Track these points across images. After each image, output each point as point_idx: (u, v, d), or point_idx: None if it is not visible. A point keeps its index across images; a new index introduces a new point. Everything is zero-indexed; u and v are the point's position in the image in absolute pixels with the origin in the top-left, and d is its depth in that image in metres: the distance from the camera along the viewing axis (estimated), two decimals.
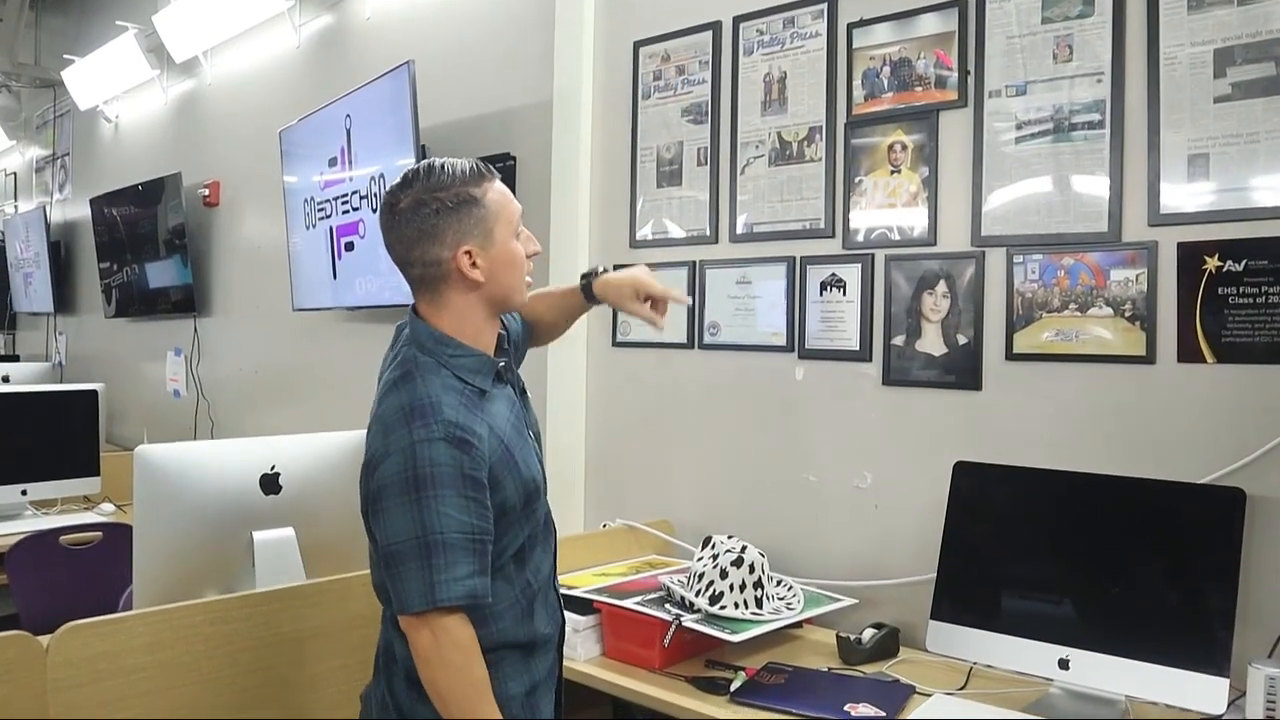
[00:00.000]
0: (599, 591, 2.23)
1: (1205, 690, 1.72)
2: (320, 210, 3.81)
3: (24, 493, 3.68)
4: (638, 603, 2.14)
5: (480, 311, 1.59)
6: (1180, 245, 1.97)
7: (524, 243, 1.62)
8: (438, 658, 1.46)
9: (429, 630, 1.46)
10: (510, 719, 1.55)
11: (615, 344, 2.96)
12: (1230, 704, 1.69)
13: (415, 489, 1.45)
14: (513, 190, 3.11)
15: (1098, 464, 2.02)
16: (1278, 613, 1.83)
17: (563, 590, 1.81)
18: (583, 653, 2.15)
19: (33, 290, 6.83)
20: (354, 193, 3.56)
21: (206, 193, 4.92)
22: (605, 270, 1.91)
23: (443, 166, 1.56)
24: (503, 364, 1.63)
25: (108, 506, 3.84)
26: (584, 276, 1.90)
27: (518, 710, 1.59)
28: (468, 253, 1.54)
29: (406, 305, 3.29)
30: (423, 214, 1.53)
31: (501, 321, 1.71)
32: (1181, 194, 1.97)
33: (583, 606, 2.18)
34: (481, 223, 1.55)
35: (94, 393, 3.95)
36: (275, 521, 2.18)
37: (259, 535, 2.15)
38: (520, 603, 1.61)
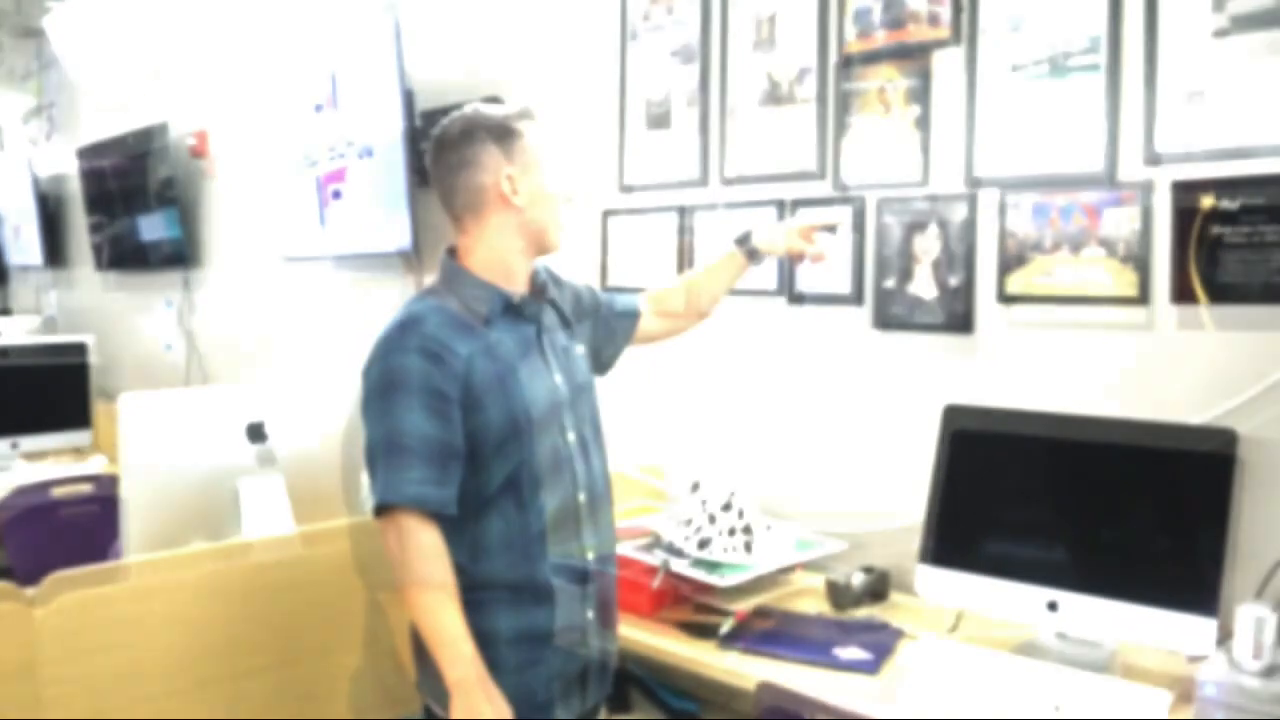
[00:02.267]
0: None
1: (1193, 631, 1.71)
2: (307, 158, 3.76)
3: (14, 445, 3.67)
4: (627, 548, 2.13)
5: (517, 241, 1.69)
6: (1175, 184, 1.93)
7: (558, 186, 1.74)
8: (401, 559, 1.55)
9: (395, 531, 1.55)
10: (493, 657, 1.58)
11: (604, 288, 2.93)
12: (1218, 644, 1.68)
13: (386, 394, 1.56)
14: None
15: (1089, 406, 2.00)
16: (1267, 553, 1.82)
17: None
18: None
19: (22, 244, 6.77)
20: (340, 140, 3.51)
21: (194, 142, 4.86)
22: (750, 233, 2.10)
23: (489, 104, 1.71)
24: (518, 300, 1.68)
25: (99, 459, 3.83)
26: (739, 242, 2.10)
27: (504, 651, 1.61)
28: (509, 177, 1.65)
29: (395, 253, 3.26)
30: (468, 141, 1.65)
31: (558, 278, 1.83)
32: (1177, 132, 1.93)
33: None
34: (523, 153, 1.67)
35: (83, 345, 3.93)
36: (262, 469, 2.18)
37: (246, 483, 2.15)
38: (517, 543, 1.62)
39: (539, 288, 1.75)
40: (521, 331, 1.69)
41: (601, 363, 1.97)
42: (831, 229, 2.16)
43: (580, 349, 1.80)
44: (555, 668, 1.66)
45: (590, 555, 1.71)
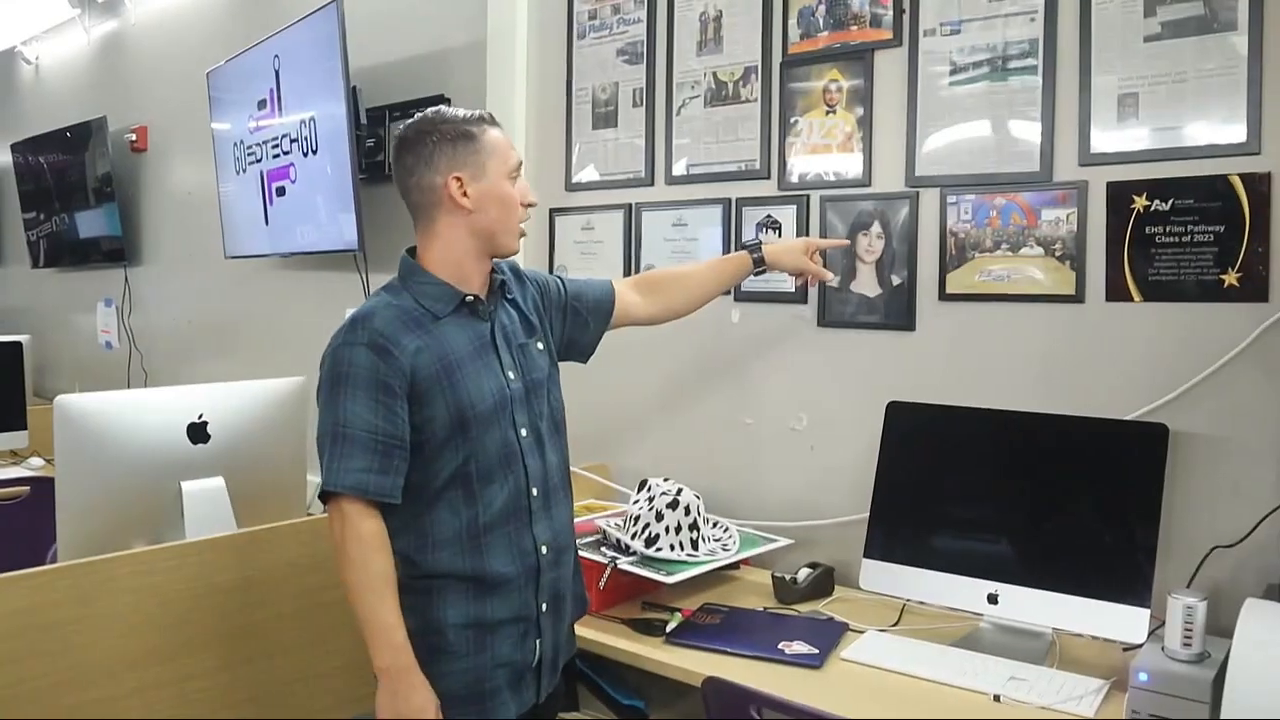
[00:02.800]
0: None
1: (1128, 620, 1.76)
2: (250, 155, 3.71)
3: None
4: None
5: (466, 242, 1.71)
6: (1109, 185, 1.98)
7: (520, 192, 1.74)
8: (341, 545, 1.60)
9: (338, 517, 1.60)
10: (440, 643, 1.63)
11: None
12: (1151, 633, 1.73)
13: (335, 386, 1.61)
14: None
15: (1028, 402, 2.04)
16: (1197, 544, 1.88)
17: None
18: None
19: None
20: (284, 136, 3.47)
21: (134, 138, 4.78)
22: (761, 242, 2.19)
23: (449, 107, 1.73)
24: (471, 298, 1.71)
25: (36, 461, 3.75)
26: (747, 248, 2.16)
27: (451, 638, 1.65)
28: (458, 179, 1.68)
29: (341, 251, 3.24)
30: (422, 142, 1.69)
31: (521, 275, 1.86)
32: (1111, 134, 1.98)
33: None
34: (474, 155, 1.69)
35: (18, 345, 3.85)
36: (204, 471, 2.15)
37: (187, 485, 2.12)
38: (465, 535, 1.65)
39: (496, 287, 1.77)
40: (474, 329, 1.71)
41: (579, 350, 2.00)
42: (842, 247, 2.29)
43: (540, 346, 1.81)
44: (503, 656, 1.68)
45: (543, 549, 1.73)
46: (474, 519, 1.66)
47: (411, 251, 1.76)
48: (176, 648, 1.89)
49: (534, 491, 1.72)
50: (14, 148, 5.58)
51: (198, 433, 2.13)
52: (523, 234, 1.77)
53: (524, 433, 1.72)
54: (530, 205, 1.77)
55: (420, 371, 1.62)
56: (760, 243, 2.16)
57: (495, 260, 1.78)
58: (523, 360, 1.76)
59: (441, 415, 1.63)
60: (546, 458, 1.76)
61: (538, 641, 1.72)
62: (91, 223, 5.02)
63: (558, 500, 1.79)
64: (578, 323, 1.96)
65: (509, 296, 1.80)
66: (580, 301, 1.96)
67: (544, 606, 1.73)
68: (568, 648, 1.84)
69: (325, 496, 1.61)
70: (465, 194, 1.68)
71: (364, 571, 1.58)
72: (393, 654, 1.58)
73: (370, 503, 1.60)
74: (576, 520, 2.13)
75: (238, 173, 3.82)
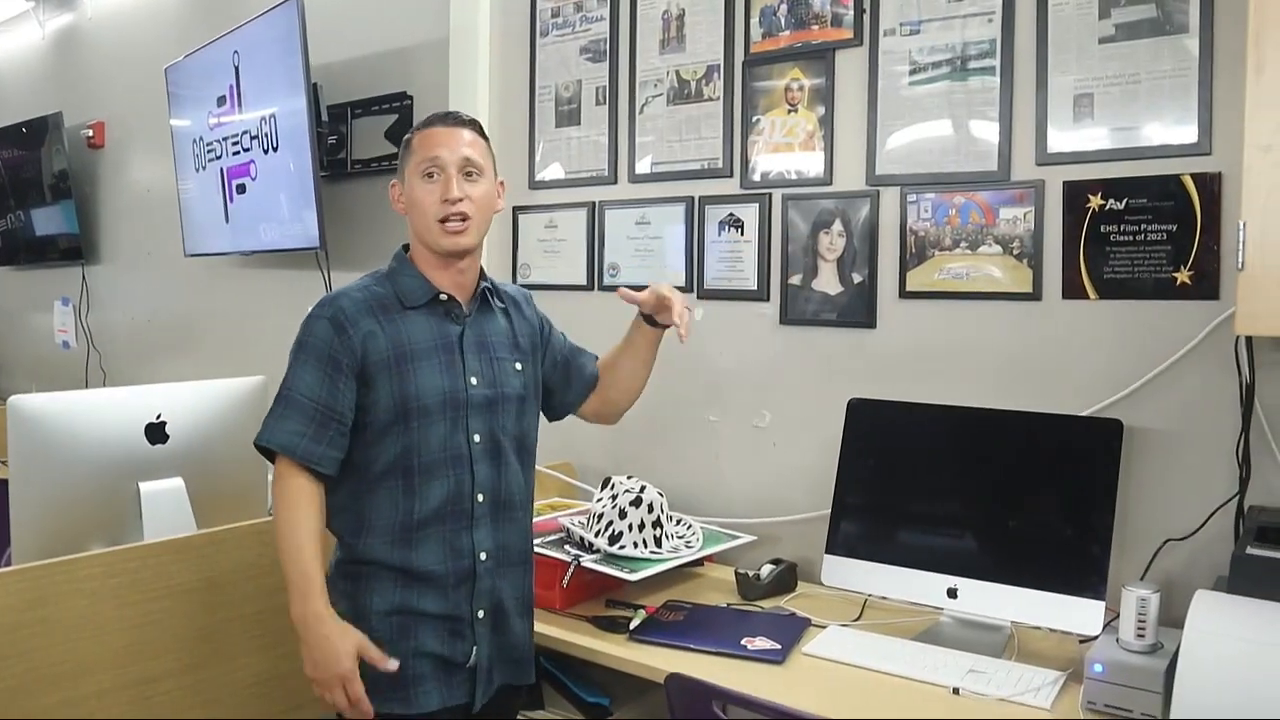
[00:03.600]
0: None
1: (1083, 613, 1.79)
2: (210, 151, 3.67)
3: None
4: (538, 545, 2.13)
5: (415, 242, 1.78)
6: (1066, 184, 2.01)
7: (441, 188, 1.71)
8: (277, 505, 1.67)
9: (277, 474, 1.68)
10: (365, 630, 1.65)
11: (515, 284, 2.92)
12: (1106, 625, 1.76)
13: (296, 351, 1.70)
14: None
15: (987, 399, 2.07)
16: (1151, 537, 1.91)
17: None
18: None
19: None
20: (244, 133, 3.44)
21: (91, 134, 4.71)
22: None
23: (435, 113, 1.79)
24: (445, 297, 1.74)
25: None
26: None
27: (377, 624, 1.67)
28: (396, 186, 1.79)
29: (303, 250, 3.21)
30: None
31: (527, 303, 1.90)
32: (1067, 134, 2.01)
33: None
34: (403, 161, 1.77)
35: None
36: (163, 472, 2.13)
37: (146, 486, 2.10)
38: (399, 526, 1.68)
39: (477, 294, 1.79)
40: (442, 328, 1.73)
41: (552, 407, 1.96)
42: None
43: (518, 367, 1.81)
44: (428, 647, 1.69)
45: (482, 555, 1.72)
46: (410, 513, 1.68)
47: (406, 247, 1.82)
48: (136, 650, 1.88)
49: (480, 498, 1.72)
50: None
51: (156, 433, 2.11)
52: (455, 231, 1.69)
53: (477, 439, 1.72)
54: (451, 201, 1.69)
55: (371, 355, 1.67)
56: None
57: (504, 284, 1.88)
58: (493, 371, 1.76)
59: (385, 400, 1.67)
60: (504, 470, 1.75)
61: (474, 647, 1.72)
62: (48, 220, 4.95)
63: (512, 516, 1.77)
64: (563, 376, 1.93)
65: (501, 306, 1.83)
66: (573, 360, 1.95)
67: (480, 613, 1.72)
68: (511, 670, 1.80)
69: (262, 451, 1.69)
70: (399, 199, 1.78)
71: (289, 526, 1.64)
72: (302, 603, 1.61)
73: (307, 467, 1.66)
74: (540, 518, 2.14)
75: (197, 170, 3.78)
